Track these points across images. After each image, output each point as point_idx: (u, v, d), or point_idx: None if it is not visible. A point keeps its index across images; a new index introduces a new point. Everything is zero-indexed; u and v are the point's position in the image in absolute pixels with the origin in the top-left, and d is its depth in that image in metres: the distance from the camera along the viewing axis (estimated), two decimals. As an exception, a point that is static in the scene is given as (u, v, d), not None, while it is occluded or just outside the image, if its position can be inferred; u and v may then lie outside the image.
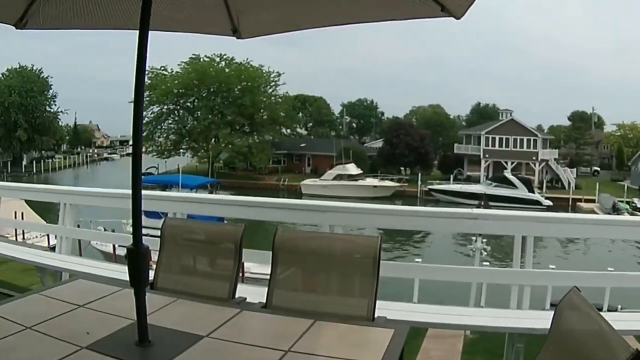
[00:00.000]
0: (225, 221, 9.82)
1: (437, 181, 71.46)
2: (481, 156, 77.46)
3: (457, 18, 3.89)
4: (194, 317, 3.94)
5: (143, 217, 3.62)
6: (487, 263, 14.82)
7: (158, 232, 4.93)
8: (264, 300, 4.31)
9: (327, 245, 4.64)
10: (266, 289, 4.37)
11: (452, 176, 73.70)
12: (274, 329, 3.85)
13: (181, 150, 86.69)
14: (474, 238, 15.71)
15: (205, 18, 4.83)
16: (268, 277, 4.41)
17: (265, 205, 7.57)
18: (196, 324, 3.72)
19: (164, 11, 4.23)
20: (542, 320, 5.18)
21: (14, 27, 4.24)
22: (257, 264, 8.29)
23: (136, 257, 3.53)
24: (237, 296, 4.52)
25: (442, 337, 7.94)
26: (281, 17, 4.76)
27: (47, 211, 21.89)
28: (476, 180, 71.29)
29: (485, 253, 15.32)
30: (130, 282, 3.50)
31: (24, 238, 24.87)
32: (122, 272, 6.62)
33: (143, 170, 3.78)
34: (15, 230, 23.75)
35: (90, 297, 4.21)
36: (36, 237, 25.30)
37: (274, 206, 7.61)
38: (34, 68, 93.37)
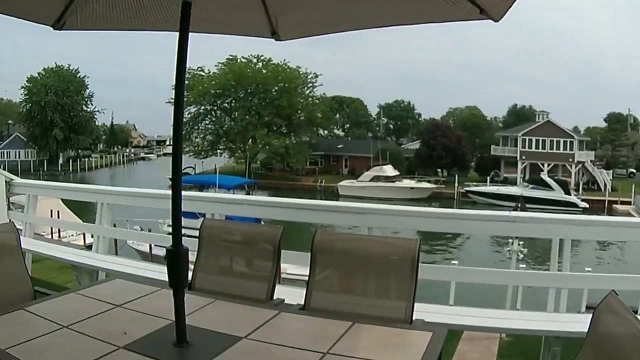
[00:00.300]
0: (262, 222, 9.81)
1: (474, 183, 71.02)
2: (518, 158, 76.94)
3: (496, 21, 3.84)
4: (232, 318, 3.96)
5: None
6: (524, 265, 14.72)
7: (194, 232, 4.95)
8: (302, 302, 4.31)
9: (366, 247, 4.62)
10: (303, 290, 4.38)
11: (489, 178, 73.27)
12: (313, 331, 3.84)
13: (218, 151, 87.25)
14: (510, 240, 15.64)
15: (244, 20, 4.83)
16: (304, 278, 4.41)
17: (304, 207, 7.52)
18: (234, 325, 3.73)
19: (203, 13, 4.24)
20: (579, 323, 5.17)
21: (51, 28, 4.27)
22: (293, 265, 8.25)
23: (176, 258, 3.55)
24: (275, 297, 4.54)
25: (477, 340, 7.92)
26: (319, 19, 4.75)
27: (85, 211, 22.03)
28: (513, 182, 70.75)
29: (522, 255, 15.25)
30: (169, 283, 3.52)
31: (59, 236, 25.19)
32: (159, 272, 6.72)
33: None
34: (51, 228, 24.06)
35: (128, 297, 4.25)
36: (72, 235, 25.58)
37: (313, 208, 7.58)
38: (70, 68, 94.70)
